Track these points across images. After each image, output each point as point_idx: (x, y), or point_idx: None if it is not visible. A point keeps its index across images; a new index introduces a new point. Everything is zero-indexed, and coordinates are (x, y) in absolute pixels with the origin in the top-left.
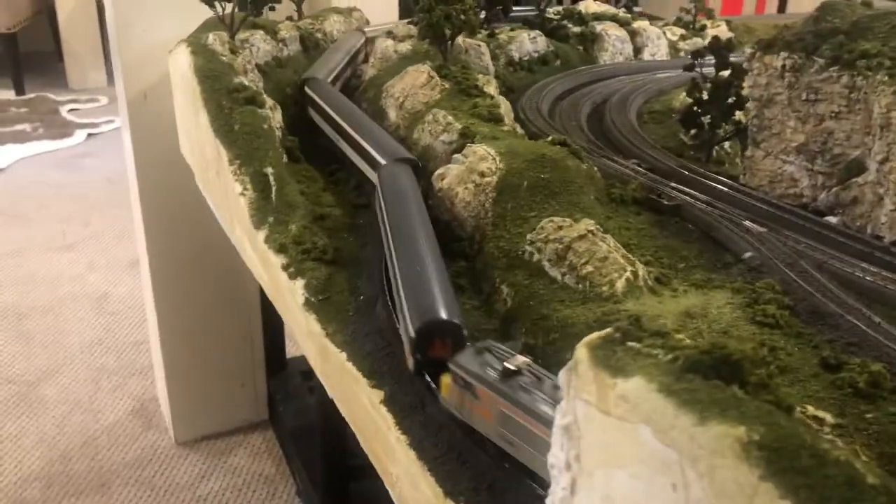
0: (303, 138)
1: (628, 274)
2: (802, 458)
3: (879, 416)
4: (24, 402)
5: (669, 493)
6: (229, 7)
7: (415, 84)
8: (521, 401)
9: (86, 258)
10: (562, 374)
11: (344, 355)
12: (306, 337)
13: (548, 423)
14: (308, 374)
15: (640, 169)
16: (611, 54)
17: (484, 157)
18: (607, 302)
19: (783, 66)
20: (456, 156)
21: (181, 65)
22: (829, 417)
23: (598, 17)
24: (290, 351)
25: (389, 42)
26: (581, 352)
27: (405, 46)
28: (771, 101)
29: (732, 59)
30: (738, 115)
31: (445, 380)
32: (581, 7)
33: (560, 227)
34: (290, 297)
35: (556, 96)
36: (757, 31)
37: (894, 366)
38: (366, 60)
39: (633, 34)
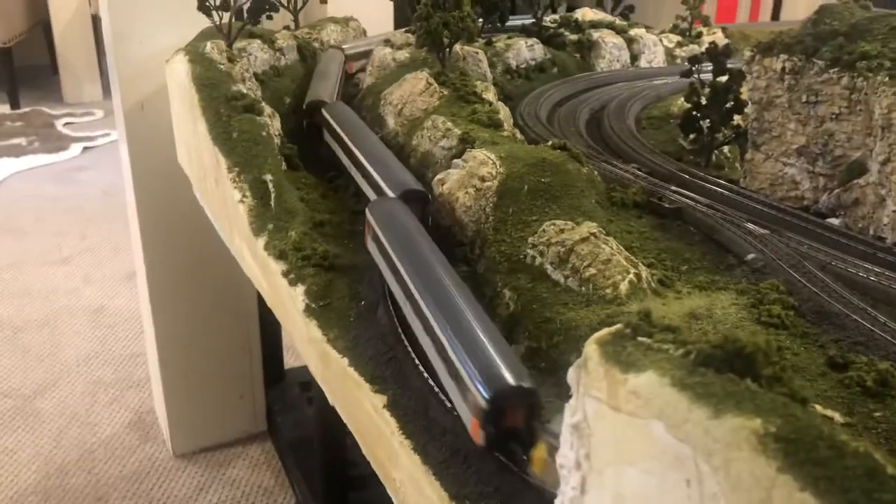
0: (301, 146)
1: (631, 276)
2: (820, 449)
3: (888, 414)
4: (20, 415)
5: (683, 488)
6: (226, 16)
7: (413, 91)
8: None
9: (82, 271)
10: (571, 371)
11: (345, 361)
12: (307, 343)
13: None
14: (307, 384)
15: (640, 173)
16: (607, 61)
17: (484, 162)
18: (611, 304)
19: (783, 69)
20: (456, 161)
21: (179, 74)
22: (837, 416)
23: (595, 25)
24: (289, 362)
25: (387, 50)
26: (591, 348)
27: (403, 54)
28: (771, 103)
29: (730, 64)
30: (737, 119)
31: (539, 454)
32: (578, 15)
33: (562, 231)
34: (290, 303)
35: (554, 103)
36: (752, 38)
37: None
38: (349, 78)
39: (630, 41)
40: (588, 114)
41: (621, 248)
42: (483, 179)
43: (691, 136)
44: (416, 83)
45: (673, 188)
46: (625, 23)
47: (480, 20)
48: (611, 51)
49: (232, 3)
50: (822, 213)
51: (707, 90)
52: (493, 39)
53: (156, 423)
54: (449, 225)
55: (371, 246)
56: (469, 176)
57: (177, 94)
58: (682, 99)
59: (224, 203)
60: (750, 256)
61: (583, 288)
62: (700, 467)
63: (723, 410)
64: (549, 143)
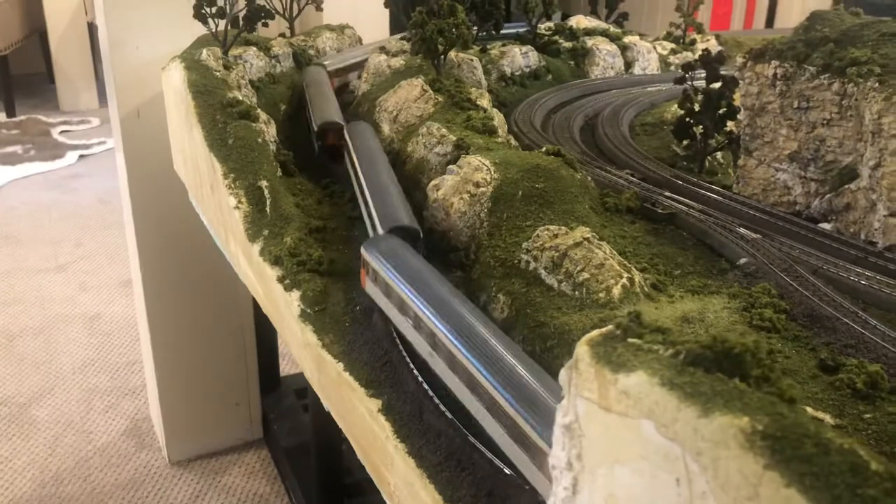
0: (297, 153)
1: (624, 280)
2: (806, 446)
3: (878, 416)
4: (15, 423)
5: (673, 487)
6: (222, 24)
7: (408, 98)
8: None
9: (77, 279)
10: (562, 372)
11: (341, 365)
12: (302, 348)
13: None
14: (302, 391)
15: (634, 179)
16: (602, 69)
17: (479, 168)
18: (604, 308)
19: (774, 75)
20: (451, 167)
21: (175, 81)
22: (828, 418)
23: (589, 33)
24: (284, 369)
25: (382, 57)
26: (582, 349)
27: (398, 61)
28: (763, 109)
29: (723, 71)
30: (730, 125)
31: None
32: (572, 22)
33: (556, 236)
34: (285, 308)
35: (548, 110)
36: (746, 45)
37: (892, 366)
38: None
39: (624, 49)
40: (582, 120)
41: (614, 252)
42: (478, 185)
43: (685, 142)
44: (412, 90)
45: (666, 194)
46: (619, 30)
47: (475, 27)
48: (605, 58)
49: (228, 11)
50: (813, 218)
51: (700, 97)
52: (488, 47)
53: (151, 431)
54: (444, 230)
55: (372, 288)
56: (464, 182)
57: (173, 101)
58: (676, 105)
59: (220, 209)
60: (742, 261)
61: (576, 292)
62: (689, 466)
63: (711, 409)
64: (544, 149)
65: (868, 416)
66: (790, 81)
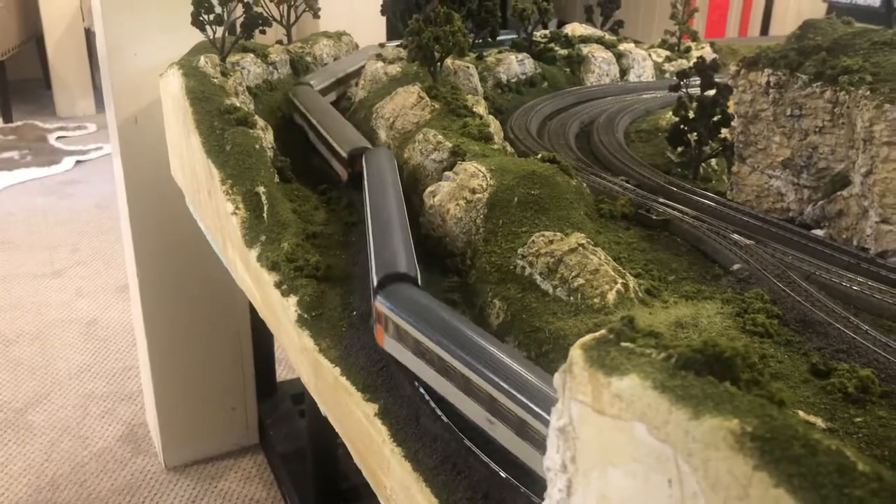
0: (294, 159)
1: (619, 286)
2: (794, 447)
3: (869, 419)
4: (11, 428)
5: (665, 489)
6: (220, 31)
7: (405, 105)
8: None
9: (74, 284)
10: (556, 376)
11: (338, 370)
12: (299, 353)
13: None
14: (299, 397)
15: (629, 185)
16: (597, 76)
17: (475, 174)
18: (599, 313)
19: (768, 83)
20: (447, 173)
21: (172, 87)
22: (819, 422)
23: (585, 40)
24: (281, 374)
25: (379, 64)
26: (575, 353)
27: (395, 68)
28: (756, 117)
29: (717, 78)
30: (724, 132)
31: None
32: (568, 30)
33: (551, 241)
34: (282, 314)
35: (544, 116)
36: (740, 53)
37: (882, 371)
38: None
39: (619, 56)
40: (578, 127)
41: (609, 258)
42: (474, 191)
43: (679, 149)
44: (408, 97)
45: (661, 200)
46: (614, 38)
47: (471, 35)
48: (600, 65)
49: (225, 18)
50: (806, 224)
51: (695, 104)
52: (484, 54)
53: (148, 436)
54: (440, 236)
55: (395, 346)
56: (460, 188)
57: (171, 107)
58: (671, 112)
59: (217, 215)
60: (736, 266)
61: (571, 298)
62: (681, 467)
63: (702, 411)
64: (539, 155)
65: (859, 419)
66: (783, 89)
